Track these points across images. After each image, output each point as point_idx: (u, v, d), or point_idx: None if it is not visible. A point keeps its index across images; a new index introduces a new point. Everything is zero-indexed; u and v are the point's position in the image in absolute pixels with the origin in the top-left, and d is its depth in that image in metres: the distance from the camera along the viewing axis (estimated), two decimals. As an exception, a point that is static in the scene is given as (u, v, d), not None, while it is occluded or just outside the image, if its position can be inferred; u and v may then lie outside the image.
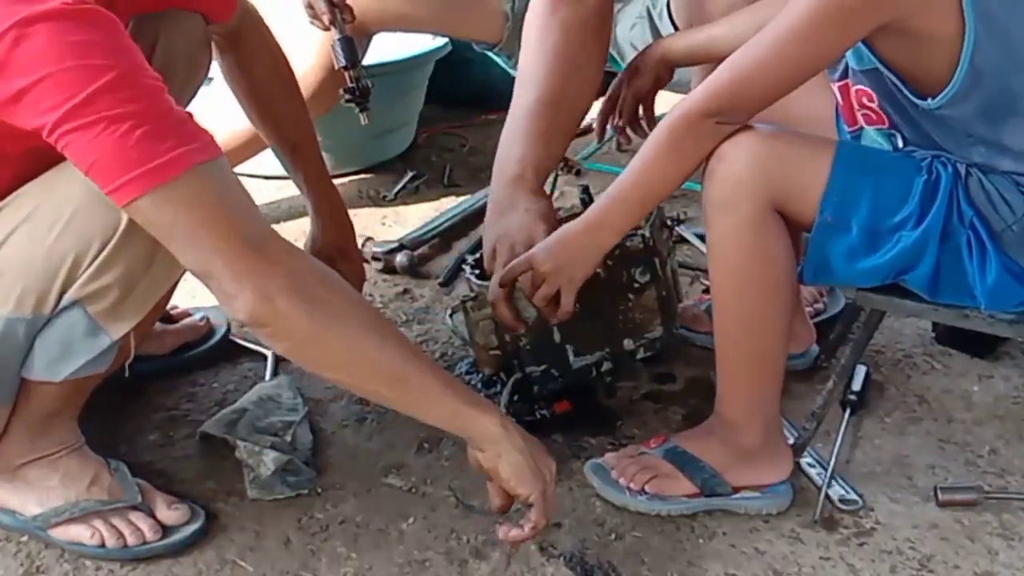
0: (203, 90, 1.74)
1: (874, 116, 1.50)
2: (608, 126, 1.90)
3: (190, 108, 1.61)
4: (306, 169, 1.77)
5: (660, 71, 1.82)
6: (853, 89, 1.51)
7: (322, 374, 1.37)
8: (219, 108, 1.78)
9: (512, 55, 2.28)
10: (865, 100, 1.49)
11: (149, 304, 1.39)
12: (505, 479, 1.35)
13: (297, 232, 2.37)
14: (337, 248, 1.79)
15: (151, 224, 1.22)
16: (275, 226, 2.38)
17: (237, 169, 2.38)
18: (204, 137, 1.22)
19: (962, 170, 1.40)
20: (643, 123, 1.87)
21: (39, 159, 1.23)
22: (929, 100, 1.37)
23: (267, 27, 1.69)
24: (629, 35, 2.18)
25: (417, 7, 2.25)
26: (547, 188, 2.49)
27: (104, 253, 1.32)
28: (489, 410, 1.36)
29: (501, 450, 1.34)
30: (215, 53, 1.66)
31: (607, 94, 1.88)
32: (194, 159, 1.19)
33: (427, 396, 1.33)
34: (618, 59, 2.20)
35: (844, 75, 1.51)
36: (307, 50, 2.26)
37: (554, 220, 1.71)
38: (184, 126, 1.20)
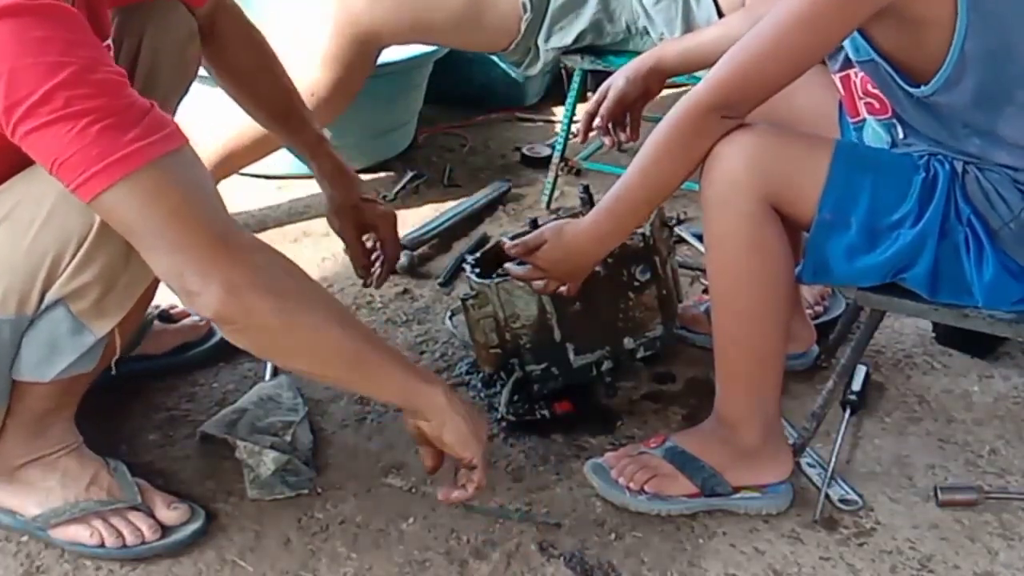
0: (210, 92, 1.73)
1: (876, 105, 1.50)
2: (593, 129, 1.90)
3: (191, 108, 1.63)
4: (302, 133, 1.76)
5: (651, 82, 1.82)
6: (856, 78, 1.51)
7: (284, 364, 1.39)
8: (225, 109, 1.78)
9: (525, 57, 2.28)
10: (869, 87, 1.49)
11: (131, 300, 1.38)
12: (450, 444, 1.39)
13: (297, 232, 2.38)
14: (359, 197, 1.80)
15: (115, 219, 1.21)
16: (275, 227, 2.38)
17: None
18: (167, 127, 1.20)
19: (959, 168, 1.41)
20: (627, 128, 1.87)
21: (13, 156, 1.22)
22: (923, 87, 1.37)
23: (238, 7, 1.68)
24: (653, 10, 2.16)
25: (433, 16, 2.25)
26: (547, 187, 2.52)
27: (82, 250, 1.31)
28: (434, 381, 1.40)
29: (446, 418, 1.38)
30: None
31: (595, 96, 1.88)
32: (156, 151, 1.17)
33: (381, 374, 1.36)
34: (651, 31, 2.19)
35: (845, 66, 1.51)
36: (314, 61, 2.25)
37: None
38: (145, 118, 1.18)
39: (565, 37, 2.25)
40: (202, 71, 1.65)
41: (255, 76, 1.71)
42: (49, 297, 1.33)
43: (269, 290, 1.24)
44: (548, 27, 2.23)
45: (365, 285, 1.91)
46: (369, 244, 1.86)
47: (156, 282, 1.49)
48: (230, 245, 1.23)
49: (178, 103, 1.61)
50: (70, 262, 1.31)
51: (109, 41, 1.44)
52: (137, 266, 1.32)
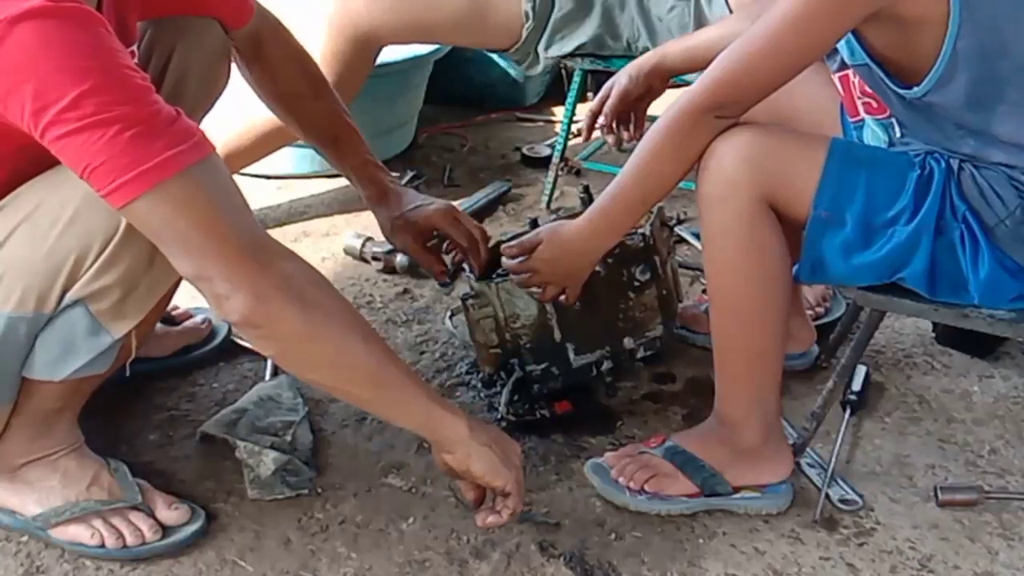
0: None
1: (875, 104, 1.50)
2: (597, 128, 1.90)
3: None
4: (347, 159, 1.76)
5: (653, 80, 1.82)
6: (855, 78, 1.51)
7: (306, 376, 1.38)
8: (230, 108, 1.78)
9: (525, 59, 2.28)
10: (867, 87, 1.49)
11: (150, 303, 1.39)
12: (480, 475, 1.39)
13: (297, 232, 2.39)
14: (407, 208, 1.76)
15: (145, 226, 1.22)
16: (275, 227, 2.38)
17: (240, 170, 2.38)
18: (194, 135, 1.21)
19: (955, 165, 1.41)
20: (631, 127, 1.87)
21: (35, 157, 1.23)
22: (915, 88, 1.37)
23: (286, 28, 1.69)
24: (667, 17, 2.17)
25: (435, 17, 2.25)
26: (547, 187, 2.52)
27: (106, 252, 1.32)
28: (456, 412, 1.39)
29: (470, 450, 1.37)
30: (240, 62, 1.65)
31: (598, 95, 1.88)
32: (186, 160, 1.18)
33: (403, 399, 1.35)
34: (650, 45, 2.20)
35: (843, 66, 1.51)
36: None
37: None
38: (174, 125, 1.19)
39: (565, 47, 2.26)
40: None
41: (304, 102, 1.71)
42: (69, 297, 1.34)
43: (296, 299, 1.25)
44: (549, 36, 2.24)
45: (443, 285, 1.85)
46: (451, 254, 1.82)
47: (175, 286, 1.50)
48: (259, 253, 1.24)
49: (202, 118, 1.61)
50: (92, 264, 1.32)
51: (134, 48, 1.45)
52: (159, 269, 1.33)
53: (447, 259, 1.84)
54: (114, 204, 1.18)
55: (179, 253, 1.23)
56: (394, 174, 1.84)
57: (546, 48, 2.25)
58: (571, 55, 2.27)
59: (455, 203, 2.50)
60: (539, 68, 2.31)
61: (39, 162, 1.27)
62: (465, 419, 1.38)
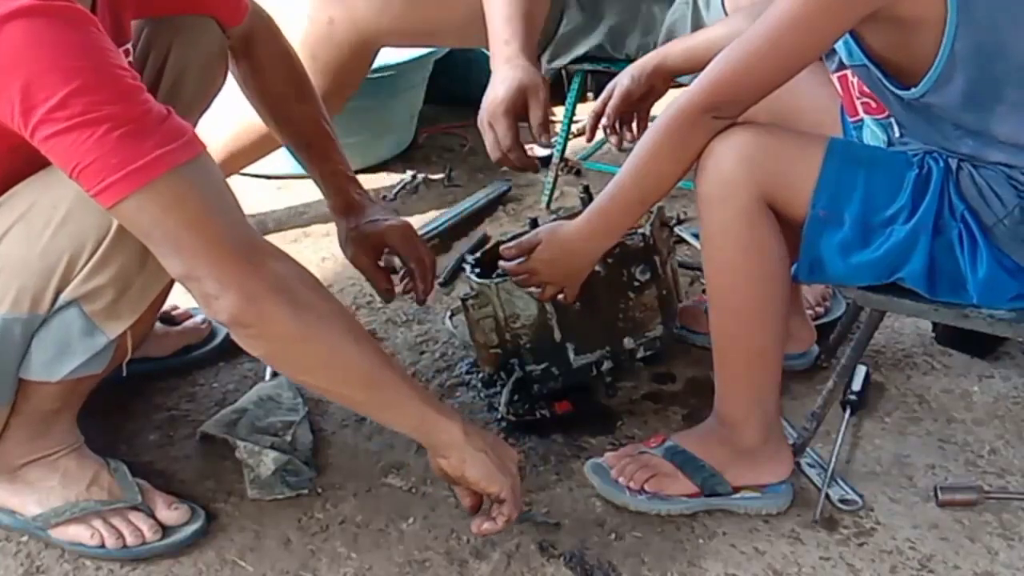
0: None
1: (874, 104, 1.51)
2: (600, 128, 1.91)
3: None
4: (320, 165, 1.75)
5: (656, 81, 1.82)
6: (853, 78, 1.51)
7: (299, 377, 1.38)
8: (228, 108, 1.78)
9: None
10: (866, 88, 1.49)
11: (145, 303, 1.39)
12: (475, 481, 1.38)
13: (297, 233, 2.39)
14: (364, 223, 1.73)
15: (135, 226, 1.22)
16: (275, 228, 2.38)
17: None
18: (185, 134, 1.21)
19: (953, 164, 1.41)
20: (634, 127, 1.87)
21: (29, 157, 1.22)
22: (913, 89, 1.37)
23: (278, 27, 1.69)
24: (669, 19, 2.18)
25: (437, 25, 2.24)
26: (547, 187, 2.52)
27: (98, 252, 1.31)
28: (452, 416, 1.38)
29: (465, 455, 1.36)
30: (229, 58, 1.65)
31: (601, 95, 1.88)
32: (176, 159, 1.18)
33: (397, 402, 1.35)
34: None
35: (842, 66, 1.51)
36: (314, 66, 2.24)
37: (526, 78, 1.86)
38: (163, 125, 1.19)
39: (568, 58, 2.26)
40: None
41: (286, 103, 1.70)
42: (63, 297, 1.34)
43: (287, 299, 1.25)
44: (554, 49, 2.25)
45: (387, 301, 1.81)
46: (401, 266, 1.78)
47: (169, 285, 1.50)
48: (249, 252, 1.24)
49: (199, 118, 1.61)
50: (86, 264, 1.32)
51: (128, 46, 1.44)
52: (152, 269, 1.33)
53: (400, 285, 1.79)
54: (103, 203, 1.18)
55: (169, 253, 1.22)
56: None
57: (550, 60, 2.26)
58: (573, 61, 2.28)
59: (457, 200, 2.52)
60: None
61: (33, 162, 1.26)
62: (461, 423, 1.37)
